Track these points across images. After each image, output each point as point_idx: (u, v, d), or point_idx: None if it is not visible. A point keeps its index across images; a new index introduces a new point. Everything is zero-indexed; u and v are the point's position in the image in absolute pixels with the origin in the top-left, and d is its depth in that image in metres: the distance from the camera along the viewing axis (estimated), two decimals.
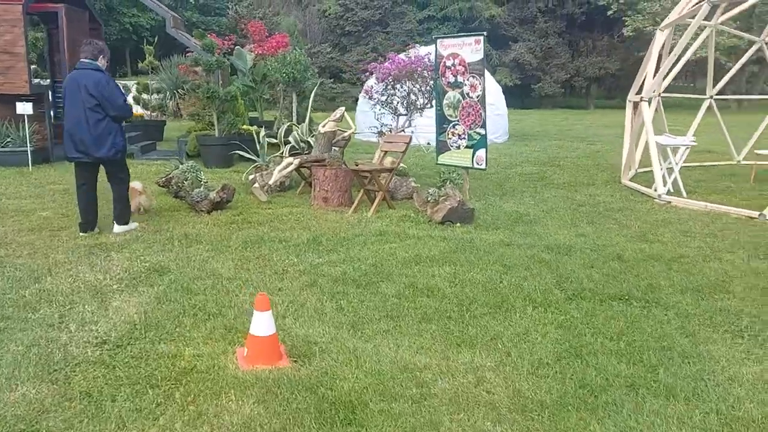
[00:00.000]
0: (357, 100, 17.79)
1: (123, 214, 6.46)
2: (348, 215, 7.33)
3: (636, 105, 9.65)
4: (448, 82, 8.21)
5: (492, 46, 29.90)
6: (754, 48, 11.46)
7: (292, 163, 8.24)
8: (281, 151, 9.44)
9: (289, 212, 7.49)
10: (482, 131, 7.91)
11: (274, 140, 9.72)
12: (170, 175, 7.95)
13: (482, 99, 7.81)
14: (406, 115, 8.65)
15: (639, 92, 9.85)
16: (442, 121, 8.40)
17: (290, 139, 9.25)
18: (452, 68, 8.11)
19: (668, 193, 8.28)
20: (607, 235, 6.43)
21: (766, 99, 15.60)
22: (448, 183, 6.97)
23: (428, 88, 8.39)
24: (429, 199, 7.03)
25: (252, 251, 5.79)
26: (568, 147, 14.68)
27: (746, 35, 14.37)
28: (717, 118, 11.30)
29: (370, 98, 8.79)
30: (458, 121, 8.18)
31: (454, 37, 8.20)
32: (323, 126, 8.76)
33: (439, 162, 8.61)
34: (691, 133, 11.32)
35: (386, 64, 8.31)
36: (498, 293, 4.71)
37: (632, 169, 10.21)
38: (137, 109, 17.51)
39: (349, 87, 30.07)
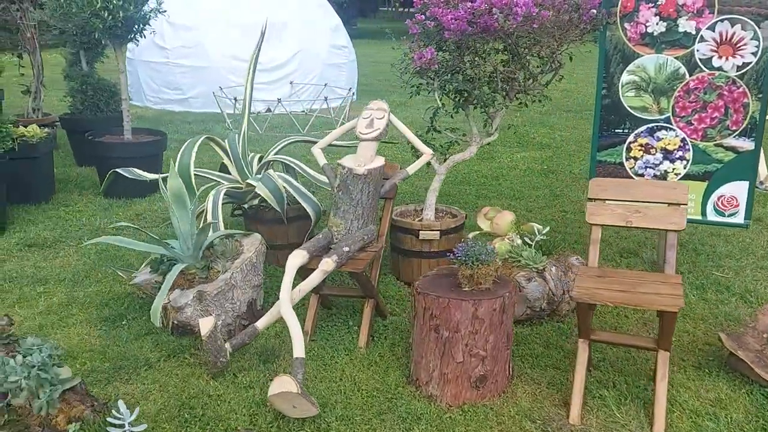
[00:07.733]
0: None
1: None
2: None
3: None
4: (642, 34, 3.64)
5: None
6: None
7: (321, 272, 2.91)
8: (202, 207, 3.76)
9: None
10: (744, 144, 3.61)
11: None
12: None
13: (759, 72, 3.48)
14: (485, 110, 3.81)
15: None
16: (614, 122, 3.82)
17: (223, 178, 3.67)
18: (659, 2, 3.55)
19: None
20: None
21: None
22: None
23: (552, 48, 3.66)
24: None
25: None
26: None
27: None
28: None
29: (428, 77, 3.67)
30: (667, 120, 3.71)
31: None
32: (357, 159, 3.42)
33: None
34: None
35: None
36: None
37: None
38: None
39: None
